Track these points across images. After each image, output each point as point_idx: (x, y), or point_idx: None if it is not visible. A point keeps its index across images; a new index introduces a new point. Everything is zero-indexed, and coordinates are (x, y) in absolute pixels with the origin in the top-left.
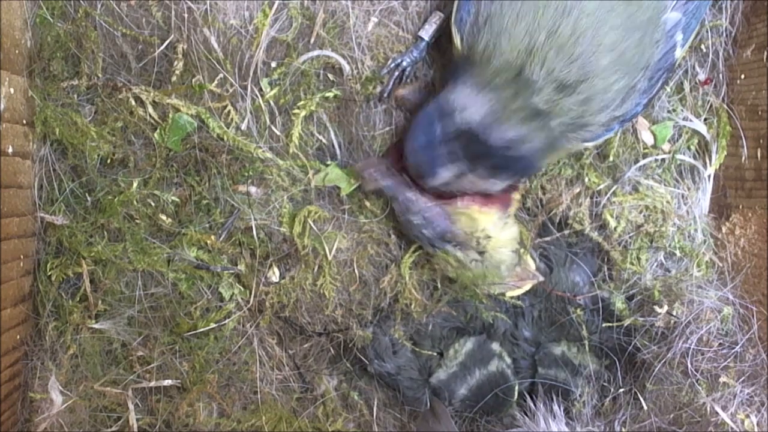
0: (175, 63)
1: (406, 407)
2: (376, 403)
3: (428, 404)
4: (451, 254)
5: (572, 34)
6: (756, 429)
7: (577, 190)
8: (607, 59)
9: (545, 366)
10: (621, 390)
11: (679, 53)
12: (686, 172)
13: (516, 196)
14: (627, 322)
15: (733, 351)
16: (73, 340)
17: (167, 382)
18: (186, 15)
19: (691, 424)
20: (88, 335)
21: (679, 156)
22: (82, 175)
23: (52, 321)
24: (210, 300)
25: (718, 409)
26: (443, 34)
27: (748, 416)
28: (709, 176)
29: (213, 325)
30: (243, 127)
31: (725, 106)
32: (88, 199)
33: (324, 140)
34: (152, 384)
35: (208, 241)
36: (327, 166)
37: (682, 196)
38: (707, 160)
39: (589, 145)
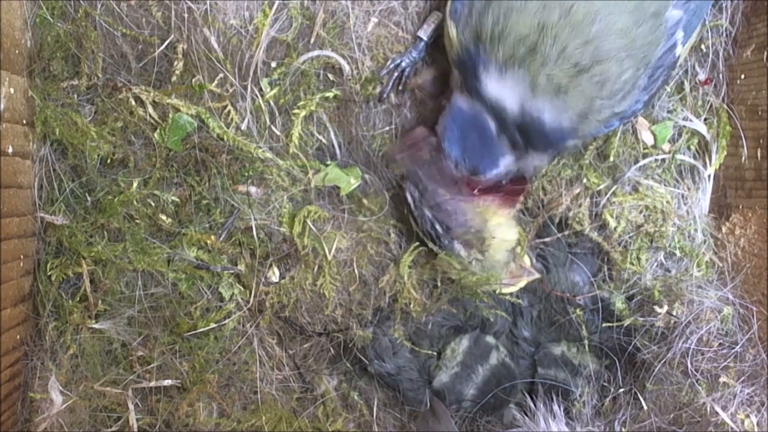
0: (175, 63)
1: (406, 407)
2: (376, 403)
3: (428, 404)
4: (455, 254)
5: (586, 14)
6: (756, 429)
7: (577, 191)
8: (620, 43)
9: (545, 366)
10: (621, 390)
11: (679, 51)
12: (686, 172)
13: (520, 197)
14: (627, 322)
15: (733, 351)
16: (73, 340)
17: (167, 382)
18: (186, 15)
19: (691, 424)
20: (88, 335)
21: (679, 156)
22: (82, 175)
23: (52, 321)
24: (210, 300)
25: (718, 409)
26: (442, 34)
27: (748, 416)
28: (709, 176)
29: (213, 325)
30: (243, 127)
31: (725, 106)
32: (88, 199)
33: (324, 140)
34: (152, 384)
35: (208, 241)
36: (327, 166)
37: (682, 196)
38: (707, 160)
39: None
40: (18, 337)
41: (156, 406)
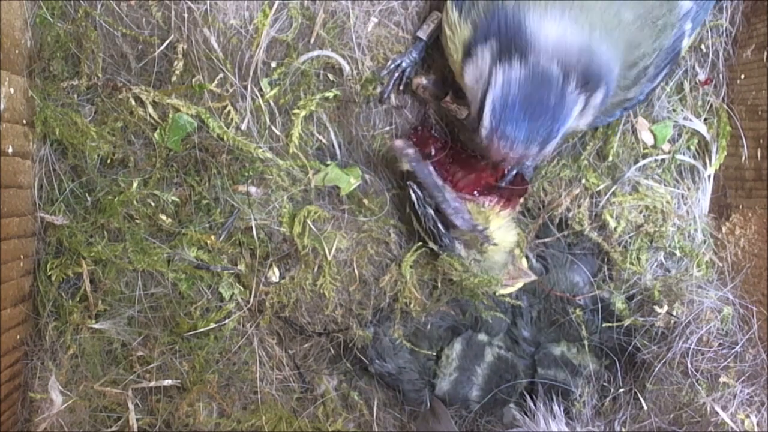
0: (175, 63)
1: (406, 407)
2: (376, 403)
3: (428, 404)
4: (456, 254)
5: None
6: (756, 429)
7: (577, 191)
8: (639, 10)
9: (545, 366)
10: (621, 390)
11: (685, 43)
12: (686, 172)
13: (521, 199)
14: (627, 322)
15: (733, 351)
16: (73, 340)
17: (167, 382)
18: (186, 15)
19: (691, 424)
20: (88, 335)
21: (679, 156)
22: (82, 175)
23: (52, 321)
24: (210, 300)
25: (718, 409)
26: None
27: (748, 416)
28: (709, 176)
29: (213, 325)
30: (243, 127)
31: (725, 106)
32: (88, 199)
33: (324, 140)
34: (152, 384)
35: (208, 241)
36: (327, 166)
37: (682, 196)
38: (707, 160)
39: (584, 128)
40: (18, 337)
41: (156, 406)
